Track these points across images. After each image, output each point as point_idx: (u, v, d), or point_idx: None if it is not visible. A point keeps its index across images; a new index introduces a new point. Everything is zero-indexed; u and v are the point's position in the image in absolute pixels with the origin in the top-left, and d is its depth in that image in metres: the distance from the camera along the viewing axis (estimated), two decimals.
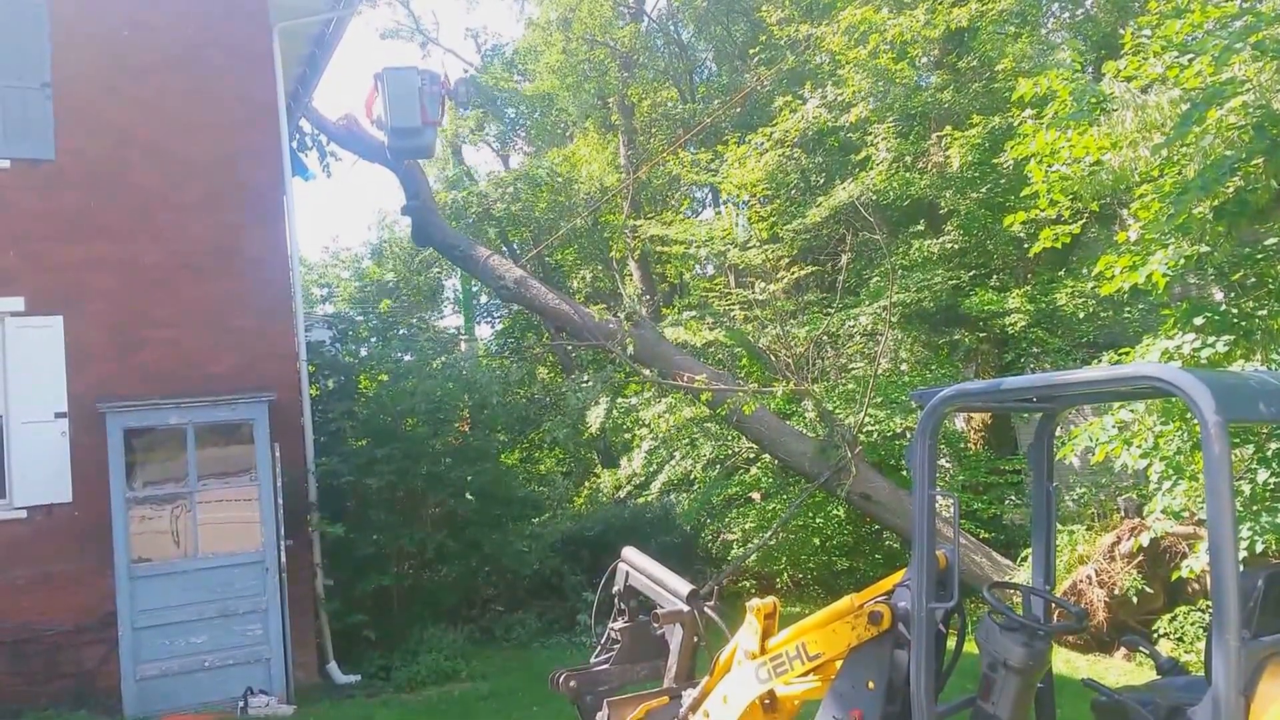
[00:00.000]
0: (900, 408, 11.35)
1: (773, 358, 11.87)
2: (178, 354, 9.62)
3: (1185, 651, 8.28)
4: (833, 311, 12.65)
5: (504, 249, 19.56)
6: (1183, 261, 6.92)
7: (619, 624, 5.10)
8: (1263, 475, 6.83)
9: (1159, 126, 6.90)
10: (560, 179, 18.56)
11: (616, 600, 5.15)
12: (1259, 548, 6.48)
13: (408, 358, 12.86)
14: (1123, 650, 8.82)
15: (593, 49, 18.17)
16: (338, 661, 10.10)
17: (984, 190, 12.30)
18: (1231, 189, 6.66)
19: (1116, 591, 8.85)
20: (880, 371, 11.87)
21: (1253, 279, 7.57)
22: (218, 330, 9.82)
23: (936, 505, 3.83)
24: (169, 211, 9.82)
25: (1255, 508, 6.67)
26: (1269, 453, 6.92)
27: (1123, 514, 9.39)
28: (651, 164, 17.50)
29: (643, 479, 13.90)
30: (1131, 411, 7.18)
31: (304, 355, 10.69)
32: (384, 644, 10.41)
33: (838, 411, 11.63)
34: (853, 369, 13.32)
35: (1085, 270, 10.68)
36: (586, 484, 17.44)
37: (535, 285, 14.63)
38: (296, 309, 10.67)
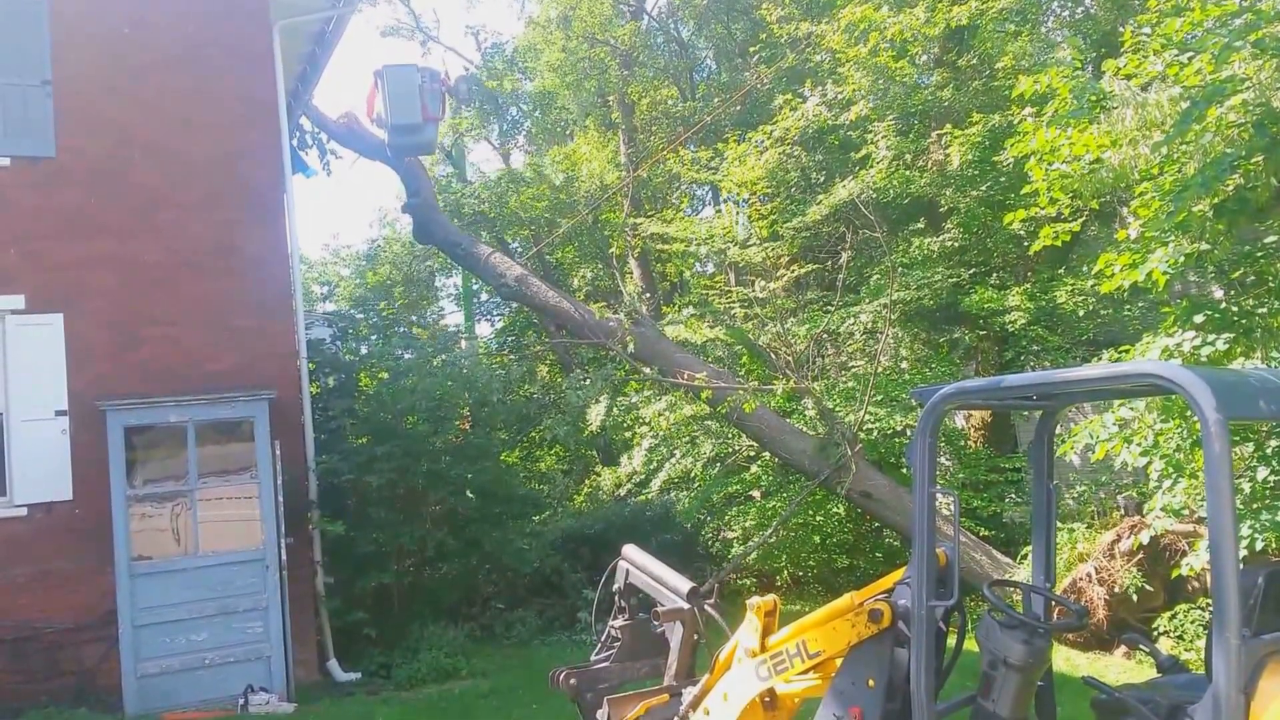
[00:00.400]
0: (900, 405, 11.35)
1: (773, 356, 11.86)
2: (178, 352, 9.62)
3: (1185, 649, 8.28)
4: (833, 309, 12.64)
5: (501, 248, 19.51)
6: (1183, 259, 6.91)
7: (619, 622, 5.10)
8: (1263, 473, 6.84)
9: (1159, 124, 6.90)
10: (552, 176, 18.45)
11: (617, 598, 5.15)
12: (1259, 545, 6.49)
13: (408, 355, 12.87)
14: (1123, 648, 8.82)
15: (593, 47, 18.14)
16: (338, 659, 10.11)
17: (984, 188, 12.29)
18: (1231, 187, 6.65)
19: (1117, 589, 8.85)
20: (880, 369, 11.86)
21: (1252, 277, 7.57)
22: (218, 328, 9.83)
23: (936, 503, 3.83)
24: (169, 209, 9.82)
25: (1255, 505, 6.68)
26: (1269, 450, 6.93)
27: (1123, 512, 9.38)
28: (652, 162, 17.47)
29: (643, 477, 13.89)
30: (1131, 409, 7.18)
31: (304, 353, 10.69)
32: (384, 642, 10.43)
33: (838, 409, 11.63)
34: (853, 367, 13.33)
35: (1085, 268, 10.67)
36: (587, 482, 17.44)
37: (536, 283, 14.66)
38: (297, 307, 10.67)
